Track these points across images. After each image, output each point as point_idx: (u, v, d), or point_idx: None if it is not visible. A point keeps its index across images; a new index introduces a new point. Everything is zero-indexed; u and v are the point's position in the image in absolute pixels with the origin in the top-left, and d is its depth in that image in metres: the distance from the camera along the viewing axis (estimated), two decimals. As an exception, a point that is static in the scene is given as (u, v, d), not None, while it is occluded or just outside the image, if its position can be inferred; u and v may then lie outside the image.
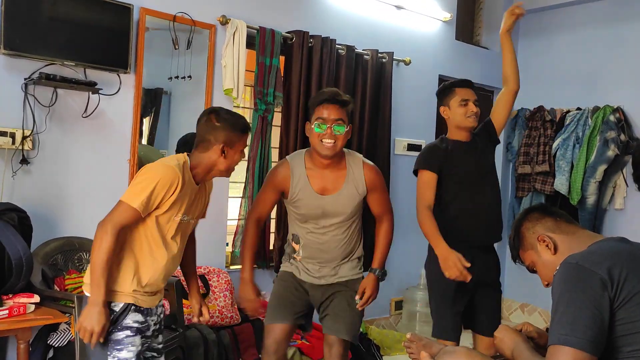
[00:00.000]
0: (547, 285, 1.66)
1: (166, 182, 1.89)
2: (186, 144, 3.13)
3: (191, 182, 2.00)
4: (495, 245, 2.72)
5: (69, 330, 2.50)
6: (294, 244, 2.49)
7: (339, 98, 2.34)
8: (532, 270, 1.71)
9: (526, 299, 5.07)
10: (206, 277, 3.19)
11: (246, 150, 3.58)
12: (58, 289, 2.60)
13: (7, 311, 2.27)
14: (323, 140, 2.30)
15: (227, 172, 2.12)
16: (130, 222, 1.88)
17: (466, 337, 4.32)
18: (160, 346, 2.13)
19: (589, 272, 1.36)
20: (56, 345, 2.53)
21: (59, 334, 2.51)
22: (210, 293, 3.14)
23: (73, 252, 2.84)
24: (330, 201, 2.39)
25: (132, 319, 1.95)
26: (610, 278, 1.34)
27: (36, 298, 2.38)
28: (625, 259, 1.40)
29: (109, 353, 1.91)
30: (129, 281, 1.92)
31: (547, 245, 1.61)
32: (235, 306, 3.18)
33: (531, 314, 5.02)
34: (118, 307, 1.92)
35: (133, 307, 1.95)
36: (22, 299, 2.36)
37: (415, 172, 2.64)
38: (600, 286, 1.34)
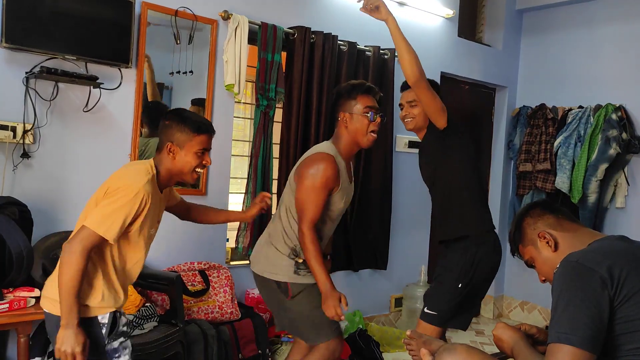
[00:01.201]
0: (544, 281, 1.68)
1: (135, 204, 1.85)
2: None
3: (157, 193, 1.97)
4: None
5: (69, 325, 2.50)
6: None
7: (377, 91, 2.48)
8: (530, 265, 1.72)
9: (526, 297, 5.08)
10: (206, 272, 3.19)
11: (247, 149, 3.58)
12: (58, 283, 2.60)
13: (7, 305, 2.27)
14: (372, 130, 2.36)
15: (184, 175, 2.00)
16: (99, 243, 1.85)
17: (468, 335, 4.33)
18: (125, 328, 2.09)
19: (589, 270, 1.36)
20: (56, 339, 2.52)
21: (59, 328, 2.51)
22: (210, 289, 3.14)
23: (73, 246, 2.84)
24: (352, 189, 2.48)
25: (121, 324, 1.99)
26: (611, 277, 1.34)
27: (36, 292, 2.38)
28: (625, 257, 1.40)
29: None
30: (108, 293, 1.91)
31: (547, 242, 1.62)
32: (235, 302, 3.18)
33: (531, 312, 5.03)
34: (106, 318, 1.91)
35: (118, 314, 1.98)
36: (22, 293, 2.37)
37: None
38: (600, 285, 1.34)
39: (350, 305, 4.00)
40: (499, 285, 5.23)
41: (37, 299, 2.37)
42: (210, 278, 3.19)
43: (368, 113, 2.35)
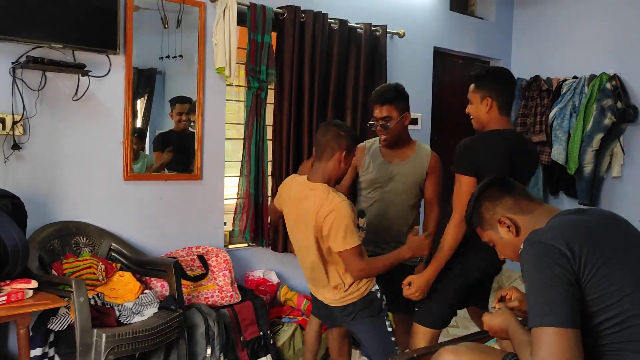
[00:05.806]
0: (504, 258, 1.68)
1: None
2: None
3: None
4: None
5: (69, 315, 2.50)
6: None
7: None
8: (490, 244, 1.70)
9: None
10: (204, 257, 3.19)
11: (243, 132, 3.55)
12: (56, 274, 2.60)
13: (5, 297, 2.26)
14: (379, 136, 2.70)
15: (339, 179, 2.34)
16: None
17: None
18: None
19: (551, 247, 1.36)
20: (57, 330, 2.53)
21: (59, 318, 2.51)
22: (210, 273, 3.14)
23: (69, 236, 2.83)
24: (388, 168, 2.76)
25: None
26: (571, 252, 1.34)
27: (34, 283, 2.37)
28: (582, 232, 1.40)
29: (385, 318, 2.36)
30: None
31: (508, 228, 1.59)
32: (235, 285, 3.19)
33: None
34: (375, 287, 2.35)
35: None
36: (19, 285, 2.35)
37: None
38: (565, 260, 1.34)
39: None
40: (497, 258, 5.25)
41: (35, 290, 2.37)
42: (209, 262, 3.19)
43: (371, 123, 2.64)
